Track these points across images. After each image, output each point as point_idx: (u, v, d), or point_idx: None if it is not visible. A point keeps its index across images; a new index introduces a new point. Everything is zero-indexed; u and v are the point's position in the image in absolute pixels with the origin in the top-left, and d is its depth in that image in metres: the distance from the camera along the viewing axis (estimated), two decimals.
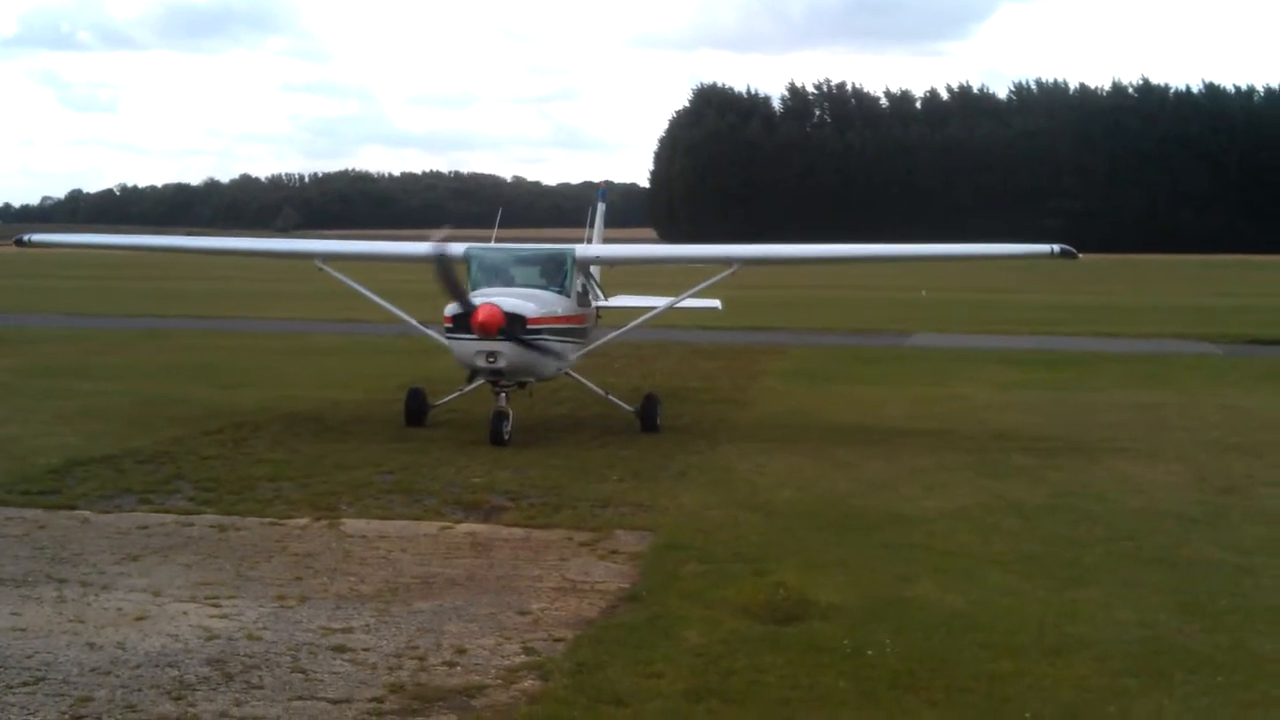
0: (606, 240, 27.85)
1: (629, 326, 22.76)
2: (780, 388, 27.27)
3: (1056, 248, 20.38)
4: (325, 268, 22.31)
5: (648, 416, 20.80)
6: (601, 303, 24.02)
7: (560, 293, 20.53)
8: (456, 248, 20.92)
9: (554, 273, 20.85)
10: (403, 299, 22.93)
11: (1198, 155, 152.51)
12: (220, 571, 12.15)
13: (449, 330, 19.05)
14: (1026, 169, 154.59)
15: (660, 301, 24.06)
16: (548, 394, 23.12)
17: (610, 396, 21.44)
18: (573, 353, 20.81)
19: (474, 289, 19.75)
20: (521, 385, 19.89)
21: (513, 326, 18.36)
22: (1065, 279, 72.73)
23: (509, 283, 20.27)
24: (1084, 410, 24.00)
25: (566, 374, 21.22)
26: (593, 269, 24.12)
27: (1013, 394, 26.35)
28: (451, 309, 18.90)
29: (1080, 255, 20.70)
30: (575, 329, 20.89)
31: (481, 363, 18.70)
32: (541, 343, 18.96)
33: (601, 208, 27.94)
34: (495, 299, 18.71)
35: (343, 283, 22.52)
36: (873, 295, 60.43)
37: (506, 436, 18.80)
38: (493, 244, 22.15)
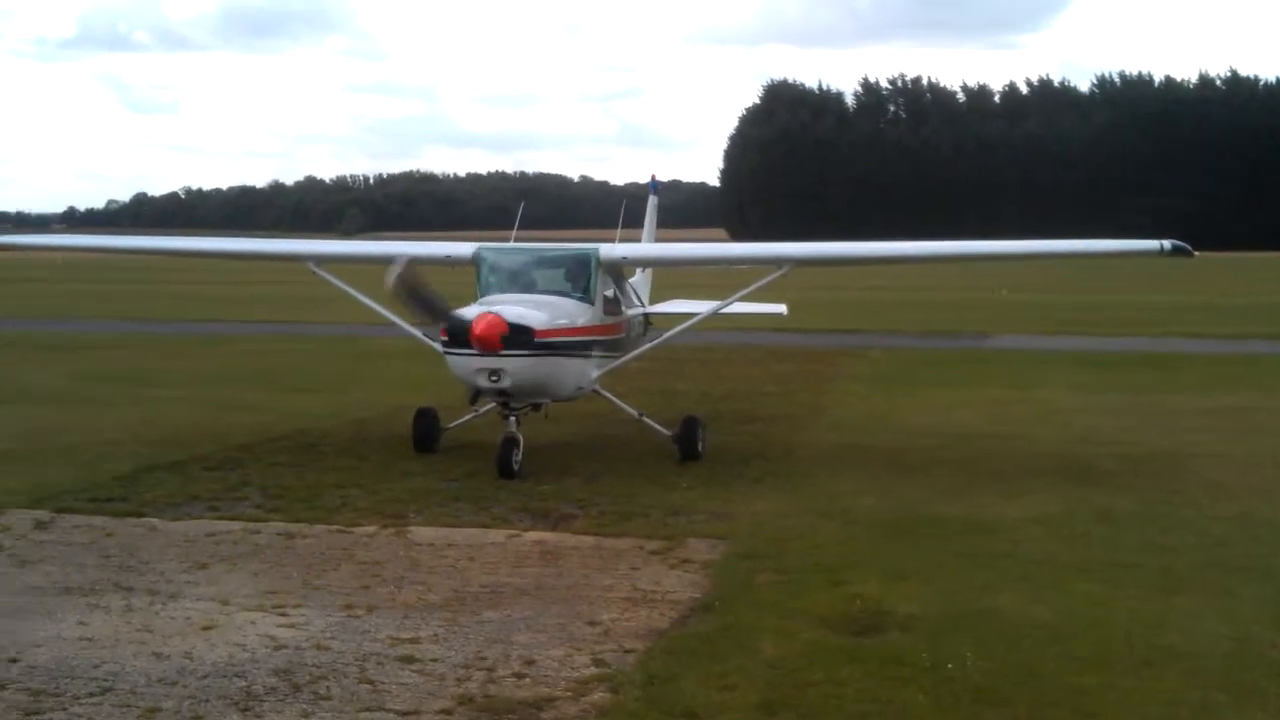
0: (672, 239, 26.52)
1: (668, 335, 20.84)
2: (858, 391, 27.11)
3: (1168, 244, 17.72)
4: (319, 270, 20.55)
5: (687, 443, 18.41)
6: (638, 309, 21.52)
7: (582, 299, 18.23)
8: (465, 248, 19.22)
9: (575, 276, 18.57)
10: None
11: None
12: (287, 580, 12.26)
13: (444, 344, 16.83)
14: (1111, 165, 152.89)
15: (706, 306, 21.99)
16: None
17: (645, 419, 19.09)
18: (598, 369, 18.52)
19: (483, 295, 17.92)
20: (536, 407, 17.86)
21: (517, 339, 16.22)
22: (1150, 277, 71.86)
23: (526, 288, 18.18)
24: (1170, 414, 23.67)
25: (595, 391, 18.94)
26: (640, 271, 22.74)
27: (1096, 397, 26.07)
28: (449, 320, 16.78)
29: (1195, 253, 18.20)
30: (601, 341, 18.58)
31: (484, 382, 16.53)
32: (551, 357, 16.77)
33: (653, 202, 25.88)
34: (498, 307, 16.60)
35: (336, 286, 20.46)
36: (952, 296, 59.97)
37: (516, 466, 16.79)
38: (506, 244, 19.90)
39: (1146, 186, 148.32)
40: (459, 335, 16.34)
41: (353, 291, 20.07)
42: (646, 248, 24.01)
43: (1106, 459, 18.97)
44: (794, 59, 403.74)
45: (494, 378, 16.32)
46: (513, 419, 17.03)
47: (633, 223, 24.83)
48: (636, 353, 20.11)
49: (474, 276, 18.82)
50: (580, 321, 17.86)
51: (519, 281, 18.28)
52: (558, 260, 19.04)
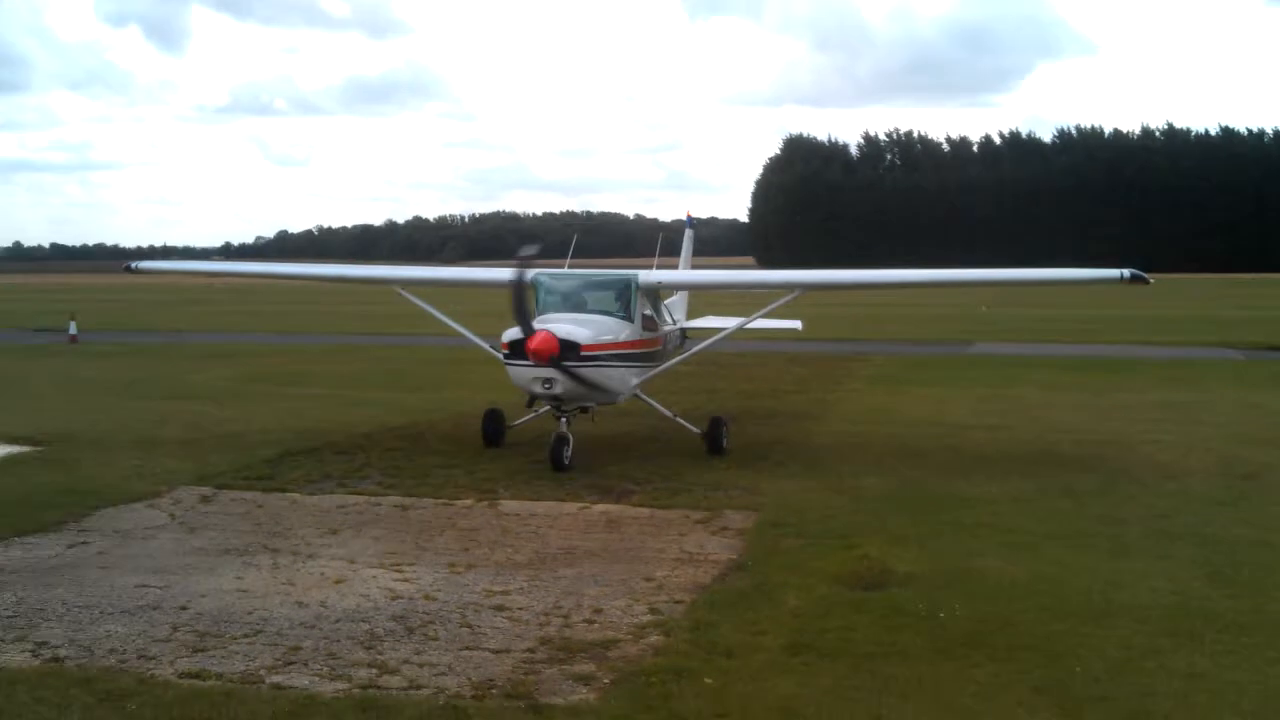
0: (707, 267, 26.04)
1: (699, 347, 20.07)
2: (862, 390, 26.93)
3: (1127, 273, 16.80)
4: (404, 293, 19.91)
5: (714, 440, 17.88)
6: (670, 326, 20.52)
7: (624, 318, 17.54)
8: (510, 275, 17.73)
9: (617, 298, 17.85)
10: (476, 319, 20.45)
11: (1218, 188, 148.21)
12: (402, 543, 12.32)
13: (506, 356, 16.28)
14: (1070, 202, 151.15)
15: (731, 322, 21.27)
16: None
17: (678, 419, 18.42)
18: (637, 377, 17.76)
19: (540, 314, 17.15)
20: (584, 410, 17.33)
21: (565, 353, 15.69)
22: (1103, 295, 70.92)
23: (576, 308, 17.55)
24: (1123, 408, 23.37)
25: (636, 396, 18.17)
26: (678, 294, 22.05)
27: (1061, 394, 25.76)
28: (509, 335, 16.17)
29: (1151, 280, 17.16)
30: (639, 354, 17.82)
31: (539, 389, 16.11)
32: (584, 371, 16.07)
33: (689, 235, 24.96)
34: (551, 325, 16.10)
35: (419, 306, 19.75)
36: (941, 311, 59.49)
37: (567, 461, 16.23)
38: (560, 270, 19.17)
39: (1100, 219, 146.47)
40: (518, 348, 15.89)
41: (431, 309, 19.49)
42: (679, 274, 23.28)
43: (1070, 446, 18.76)
44: (808, 117, 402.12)
45: (547, 385, 15.91)
46: (564, 420, 16.55)
47: (672, 252, 24.63)
48: (672, 363, 19.48)
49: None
50: (622, 337, 17.27)
51: (570, 302, 17.72)
52: (603, 284, 18.34)
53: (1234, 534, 12.79)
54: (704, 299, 25.88)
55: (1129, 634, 9.39)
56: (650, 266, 20.69)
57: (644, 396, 18.41)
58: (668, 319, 20.12)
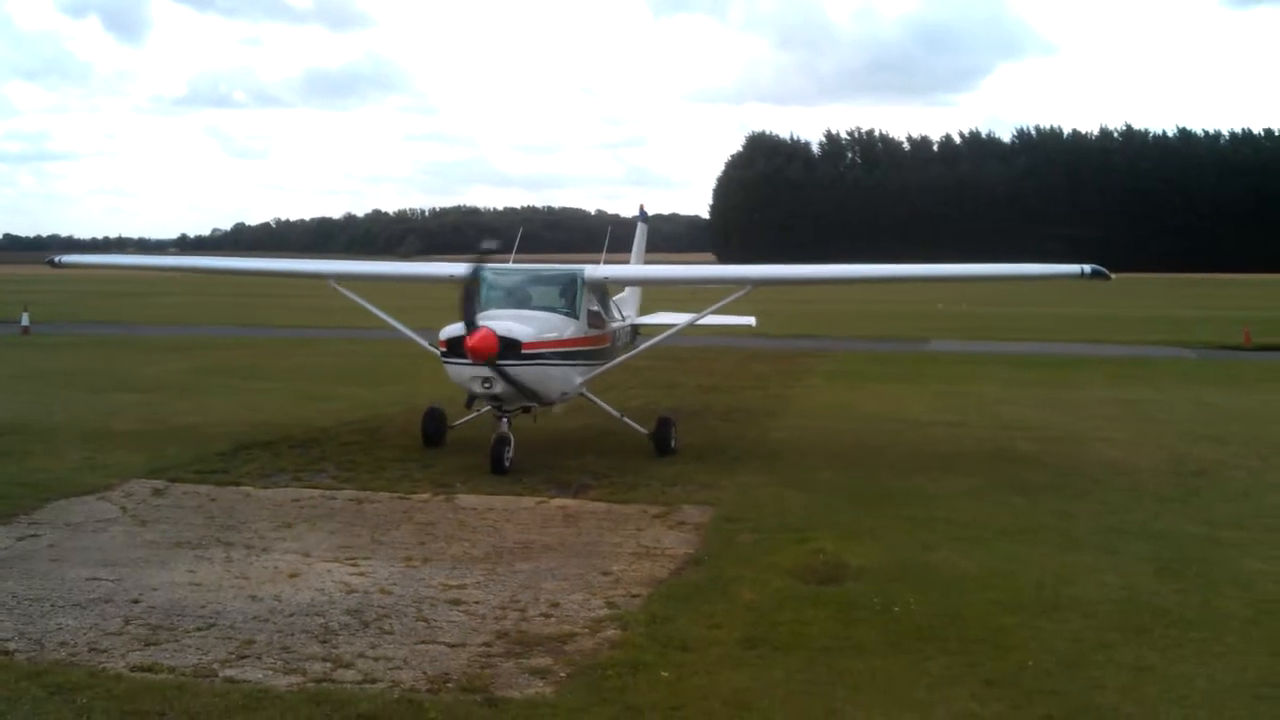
0: (667, 262, 25.12)
1: (648, 344, 19.40)
2: (820, 385, 27.07)
3: (1088, 268, 16.56)
4: (339, 287, 19.35)
5: (661, 440, 17.36)
6: (626, 320, 20.45)
7: (569, 314, 16.98)
8: (463, 270, 16.87)
9: (562, 294, 17.31)
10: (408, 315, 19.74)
11: (1174, 189, 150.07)
12: (358, 537, 12.28)
13: (444, 354, 15.68)
14: (1029, 202, 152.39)
15: (684, 318, 20.67)
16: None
17: (625, 419, 17.84)
18: (582, 375, 17.16)
19: (483, 309, 16.39)
20: (526, 410, 16.48)
21: (506, 352, 15.16)
22: (1060, 294, 71.70)
23: (520, 304, 16.96)
24: (1077, 405, 23.65)
25: (582, 394, 17.49)
26: (629, 289, 21.53)
27: (1016, 391, 26.02)
28: (447, 332, 15.59)
29: (1112, 276, 16.83)
30: (585, 351, 17.21)
31: (478, 388, 15.52)
32: (525, 370, 15.49)
33: (642, 228, 24.12)
34: (492, 322, 15.47)
35: (355, 301, 19.28)
36: (899, 308, 59.87)
37: (508, 463, 15.58)
38: (504, 265, 18.45)
39: (1058, 219, 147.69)
40: (456, 345, 15.28)
41: (366, 304, 19.03)
42: (627, 269, 22.28)
43: (1024, 441, 18.96)
44: (770, 115, 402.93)
45: (487, 384, 15.34)
46: (505, 420, 15.92)
47: (624, 247, 24.06)
48: (620, 359, 18.86)
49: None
50: (567, 334, 16.67)
51: (514, 298, 17.10)
52: (547, 279, 17.76)
53: (1183, 530, 12.98)
54: (659, 295, 25.46)
55: (1079, 628, 9.51)
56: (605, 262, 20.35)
57: (590, 395, 17.75)
58: (616, 315, 19.59)
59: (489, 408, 16.50)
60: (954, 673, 8.49)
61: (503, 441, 15.76)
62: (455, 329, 15.45)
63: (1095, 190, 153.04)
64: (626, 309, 21.16)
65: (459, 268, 17.04)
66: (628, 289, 21.98)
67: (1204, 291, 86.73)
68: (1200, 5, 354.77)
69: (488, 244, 16.47)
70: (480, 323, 15.33)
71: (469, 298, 15.50)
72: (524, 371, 15.48)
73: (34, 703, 7.79)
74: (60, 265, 21.39)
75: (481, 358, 14.96)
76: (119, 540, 12.03)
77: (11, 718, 7.57)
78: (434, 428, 17.90)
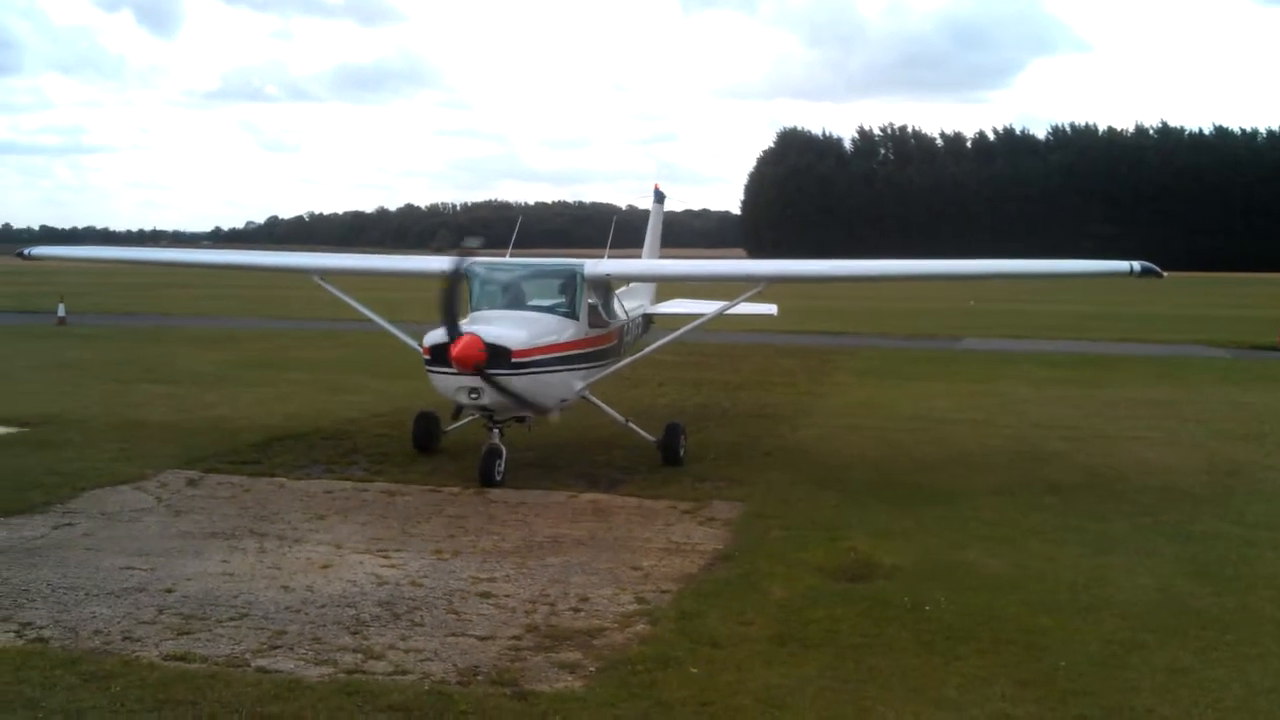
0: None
1: (658, 344, 17.67)
2: (851, 383, 26.96)
3: (1138, 265, 15.25)
4: (323, 283, 18.14)
5: (669, 449, 16.12)
6: (637, 312, 19.08)
7: (567, 315, 15.60)
8: (445, 267, 14.92)
9: (560, 291, 15.95)
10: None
11: (1209, 188, 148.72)
12: (389, 529, 12.33)
13: (427, 363, 14.35)
14: (1063, 199, 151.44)
15: (711, 307, 19.21)
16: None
17: (631, 425, 16.59)
18: (583, 380, 15.83)
19: (474, 309, 15.32)
20: (520, 420, 15.30)
21: (494, 361, 13.80)
22: (1089, 291, 71.15)
23: (513, 303, 15.55)
24: (1109, 404, 23.46)
25: (585, 398, 16.19)
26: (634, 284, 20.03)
27: (1048, 389, 25.82)
28: (431, 338, 14.24)
29: (1165, 274, 15.65)
30: (586, 353, 15.91)
31: (465, 399, 14.30)
32: (515, 382, 14.05)
33: (657, 210, 22.34)
34: (480, 326, 14.20)
35: (338, 297, 18.33)
36: (931, 305, 59.56)
37: (499, 477, 14.43)
38: (497, 260, 17.02)
39: (1094, 216, 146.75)
40: (441, 353, 13.97)
41: (351, 300, 18.29)
42: (630, 264, 19.80)
43: (1056, 440, 18.83)
44: (802, 110, 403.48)
45: (474, 395, 14.10)
46: (496, 431, 14.78)
47: (632, 243, 22.42)
48: (630, 360, 17.57)
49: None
50: (565, 336, 15.31)
51: (508, 295, 15.66)
52: (544, 275, 16.38)
53: (1219, 531, 12.88)
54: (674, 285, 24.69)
55: (1113, 629, 9.45)
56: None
57: (593, 400, 16.45)
58: (619, 312, 17.96)
59: (476, 416, 15.35)
60: (986, 672, 8.44)
61: (493, 454, 14.55)
62: (439, 334, 14.11)
63: (1130, 188, 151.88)
64: (639, 298, 20.08)
65: (446, 262, 15.22)
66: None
67: (1240, 290, 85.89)
68: (1233, 2, 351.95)
69: (471, 241, 15.10)
70: (467, 327, 14.20)
71: (450, 298, 13.99)
72: (516, 380, 14.12)
73: (68, 690, 7.87)
74: (30, 258, 20.92)
75: (467, 366, 13.68)
76: (153, 530, 12.13)
77: (46, 705, 7.65)
78: (425, 433, 16.81)
